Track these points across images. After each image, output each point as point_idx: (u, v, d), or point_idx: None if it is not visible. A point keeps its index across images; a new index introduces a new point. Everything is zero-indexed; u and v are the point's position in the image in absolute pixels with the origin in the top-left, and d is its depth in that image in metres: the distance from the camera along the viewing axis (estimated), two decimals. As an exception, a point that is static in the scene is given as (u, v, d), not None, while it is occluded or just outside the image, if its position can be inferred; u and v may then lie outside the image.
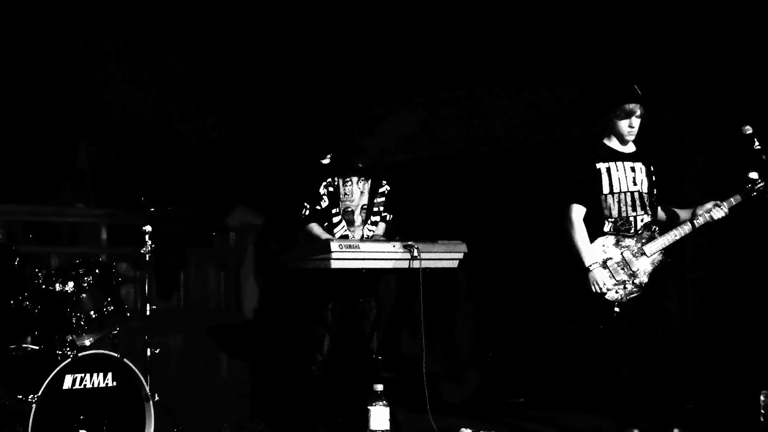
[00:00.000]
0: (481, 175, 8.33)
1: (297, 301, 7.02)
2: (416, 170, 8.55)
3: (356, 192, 6.23)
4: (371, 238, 6.19)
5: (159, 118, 8.95)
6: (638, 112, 5.64)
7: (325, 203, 6.16)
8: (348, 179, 6.22)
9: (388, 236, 6.27)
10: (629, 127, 5.66)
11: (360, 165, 6.20)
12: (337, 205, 6.18)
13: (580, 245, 5.66)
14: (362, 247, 5.66)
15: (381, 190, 6.31)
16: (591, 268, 5.61)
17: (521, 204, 7.83)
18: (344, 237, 6.12)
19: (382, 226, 6.32)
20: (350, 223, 6.20)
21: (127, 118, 8.97)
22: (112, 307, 5.70)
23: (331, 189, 6.18)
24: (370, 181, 6.27)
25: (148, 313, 6.00)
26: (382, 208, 6.30)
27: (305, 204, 6.17)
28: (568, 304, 6.26)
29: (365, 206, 6.25)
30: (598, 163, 5.70)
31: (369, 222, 6.24)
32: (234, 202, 8.62)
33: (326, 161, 6.21)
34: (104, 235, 7.85)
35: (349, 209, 6.22)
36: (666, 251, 5.66)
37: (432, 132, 8.79)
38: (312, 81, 8.67)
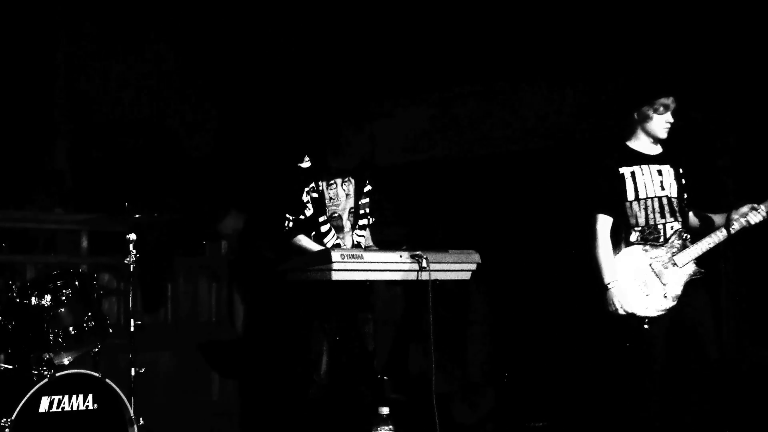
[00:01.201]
0: (497, 179, 8.30)
1: (294, 316, 7.01)
2: (424, 172, 8.54)
3: (342, 195, 6.15)
4: (370, 247, 6.16)
5: (146, 115, 8.97)
6: (674, 107, 5.63)
7: (309, 211, 6.07)
8: (332, 182, 6.14)
9: (391, 245, 6.22)
10: (666, 123, 5.63)
11: (347, 166, 6.16)
12: (323, 212, 6.08)
13: (601, 259, 5.64)
14: (366, 257, 5.63)
15: (365, 189, 6.25)
16: (610, 286, 5.59)
17: (540, 210, 7.81)
18: (336, 246, 6.07)
19: (367, 233, 6.28)
20: (339, 229, 6.12)
21: (111, 115, 8.98)
22: (93, 323, 5.69)
23: (315, 195, 6.08)
24: (354, 182, 6.22)
25: (132, 328, 6.01)
26: (367, 210, 6.24)
27: (287, 215, 6.09)
28: (591, 319, 6.23)
29: (352, 209, 6.19)
30: (621, 167, 5.67)
31: (357, 227, 6.19)
32: (226, 207, 8.61)
33: (306, 164, 6.14)
34: (85, 243, 7.82)
35: (336, 214, 6.14)
36: (699, 261, 5.64)
37: (444, 130, 8.78)
38: (311, 75, 8.67)
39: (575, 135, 7.89)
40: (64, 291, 5.61)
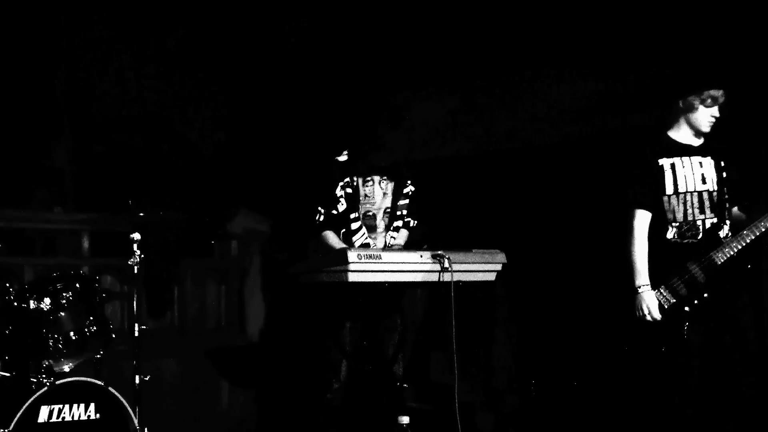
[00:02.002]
0: (523, 173, 8.27)
1: (309, 320, 7.01)
2: (446, 168, 8.50)
3: (378, 193, 6.21)
4: (392, 247, 6.16)
5: (151, 109, 8.97)
6: (723, 100, 5.58)
7: (342, 207, 6.14)
8: (369, 179, 6.20)
9: (412, 245, 6.23)
10: (711, 117, 5.59)
11: (383, 163, 6.17)
12: (356, 209, 6.16)
13: (636, 260, 5.61)
14: (384, 257, 5.61)
15: (405, 190, 6.29)
16: (640, 290, 5.57)
17: (570, 206, 7.77)
18: (365, 246, 6.10)
19: (404, 233, 6.29)
20: (371, 229, 6.17)
21: (115, 110, 8.99)
22: (95, 328, 5.70)
23: (349, 190, 6.16)
24: (393, 181, 6.24)
25: (136, 334, 5.99)
26: (405, 212, 6.27)
27: (319, 208, 6.15)
28: (625, 322, 6.21)
29: (388, 209, 6.23)
30: (661, 158, 5.63)
31: (392, 228, 6.21)
32: (236, 204, 8.62)
33: (343, 158, 6.19)
34: (86, 244, 7.85)
35: (370, 213, 6.20)
36: (739, 256, 5.59)
37: (465, 124, 8.75)
38: (327, 65, 8.65)
39: (607, 126, 7.84)
40: (64, 294, 5.62)
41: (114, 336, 5.86)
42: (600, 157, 7.53)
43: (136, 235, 6.00)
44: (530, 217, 8.00)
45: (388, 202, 6.23)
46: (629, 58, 7.51)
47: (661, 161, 5.63)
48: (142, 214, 6.03)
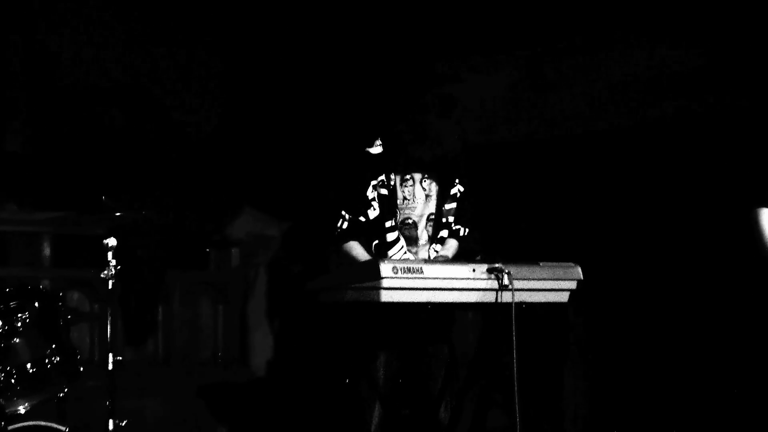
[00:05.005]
0: (604, 164, 8.25)
1: (331, 350, 7.01)
2: (505, 157, 8.51)
3: (420, 195, 6.18)
4: (437, 259, 6.13)
5: (129, 80, 9.00)
6: None
7: (374, 212, 6.09)
8: (408, 176, 6.16)
9: (462, 256, 6.21)
10: None
11: (427, 157, 6.14)
12: (392, 215, 6.11)
13: None
14: (427, 271, 5.57)
15: (453, 191, 6.25)
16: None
17: (667, 205, 7.75)
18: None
19: (452, 244, 6.26)
20: (412, 241, 6.14)
21: (84, 81, 9.02)
22: (58, 358, 5.72)
23: (384, 191, 6.11)
24: (438, 180, 6.22)
25: (111, 366, 6.00)
26: (452, 219, 6.24)
27: (343, 213, 6.12)
28: (741, 353, 6.19)
29: (433, 215, 6.19)
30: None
31: (437, 239, 6.18)
32: (239, 203, 8.64)
33: (376, 150, 6.16)
34: (47, 251, 7.91)
35: (410, 221, 6.16)
36: None
37: (530, 101, 8.75)
38: (355, 22, 8.66)
39: (708, 104, 7.83)
40: (19, 315, 5.64)
41: (82, 368, 5.88)
42: (702, 143, 7.52)
43: (111, 241, 6.01)
44: (614, 220, 8.00)
45: (432, 207, 6.19)
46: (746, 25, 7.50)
47: None
48: (118, 214, 6.06)
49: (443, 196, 6.22)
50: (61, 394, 5.77)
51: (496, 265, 5.67)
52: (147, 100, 9.07)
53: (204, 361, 8.39)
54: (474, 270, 5.67)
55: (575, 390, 8.30)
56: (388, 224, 6.08)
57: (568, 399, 8.27)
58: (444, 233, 6.23)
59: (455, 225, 6.25)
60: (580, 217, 8.08)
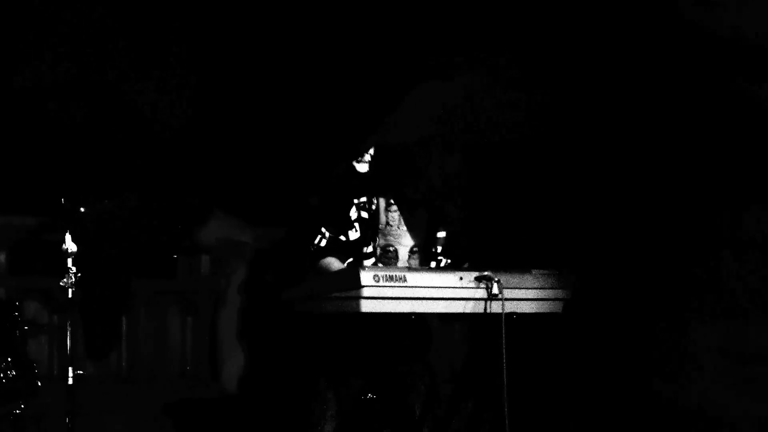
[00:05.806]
0: (603, 162, 8.23)
1: (307, 365, 6.99)
2: (497, 155, 8.49)
3: (404, 223, 6.17)
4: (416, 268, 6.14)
5: (90, 72, 8.96)
6: None
7: (355, 234, 6.11)
8: (392, 201, 6.16)
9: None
10: None
11: (419, 194, 6.16)
12: (372, 239, 6.12)
13: None
14: (411, 279, 5.61)
15: (445, 220, 6.27)
16: None
17: (679, 203, 7.74)
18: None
19: None
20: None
21: (39, 72, 8.99)
22: (13, 372, 5.78)
23: (364, 214, 6.13)
24: (428, 210, 6.22)
25: (70, 380, 5.99)
26: (440, 249, 6.24)
27: (323, 230, 6.12)
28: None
29: (416, 248, 6.19)
30: None
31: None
32: (209, 206, 8.62)
33: (362, 168, 6.18)
34: (2, 258, 7.93)
35: (391, 249, 6.16)
36: None
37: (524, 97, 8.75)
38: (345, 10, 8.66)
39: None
40: (-29, 327, 5.62)
41: (40, 383, 5.88)
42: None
43: (72, 247, 5.99)
44: (615, 222, 7.97)
45: (419, 238, 6.19)
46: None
47: None
48: (78, 217, 6.03)
49: (434, 224, 6.27)
50: (17, 411, 5.78)
51: (485, 273, 5.71)
52: (110, 97, 9.05)
53: (171, 375, 8.40)
54: (461, 278, 5.70)
55: (571, 407, 8.28)
56: (366, 250, 6.09)
57: (563, 416, 8.26)
58: (432, 265, 6.23)
59: (440, 256, 6.27)
60: (578, 219, 8.06)
